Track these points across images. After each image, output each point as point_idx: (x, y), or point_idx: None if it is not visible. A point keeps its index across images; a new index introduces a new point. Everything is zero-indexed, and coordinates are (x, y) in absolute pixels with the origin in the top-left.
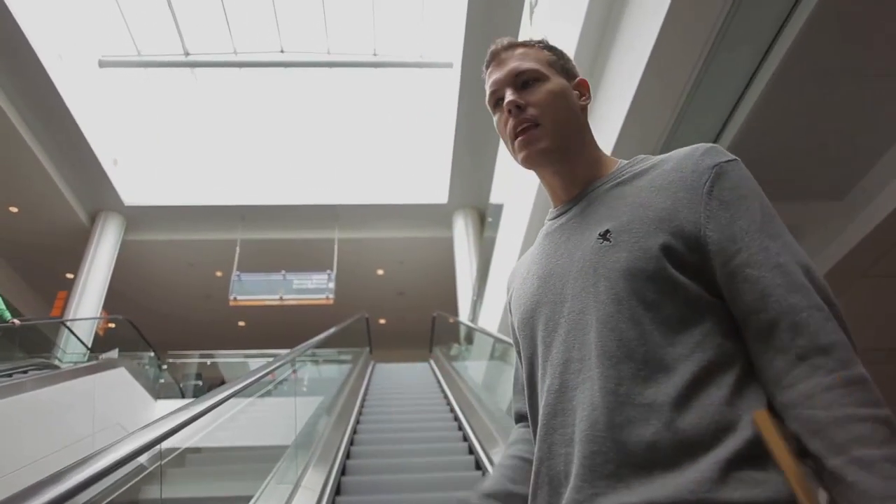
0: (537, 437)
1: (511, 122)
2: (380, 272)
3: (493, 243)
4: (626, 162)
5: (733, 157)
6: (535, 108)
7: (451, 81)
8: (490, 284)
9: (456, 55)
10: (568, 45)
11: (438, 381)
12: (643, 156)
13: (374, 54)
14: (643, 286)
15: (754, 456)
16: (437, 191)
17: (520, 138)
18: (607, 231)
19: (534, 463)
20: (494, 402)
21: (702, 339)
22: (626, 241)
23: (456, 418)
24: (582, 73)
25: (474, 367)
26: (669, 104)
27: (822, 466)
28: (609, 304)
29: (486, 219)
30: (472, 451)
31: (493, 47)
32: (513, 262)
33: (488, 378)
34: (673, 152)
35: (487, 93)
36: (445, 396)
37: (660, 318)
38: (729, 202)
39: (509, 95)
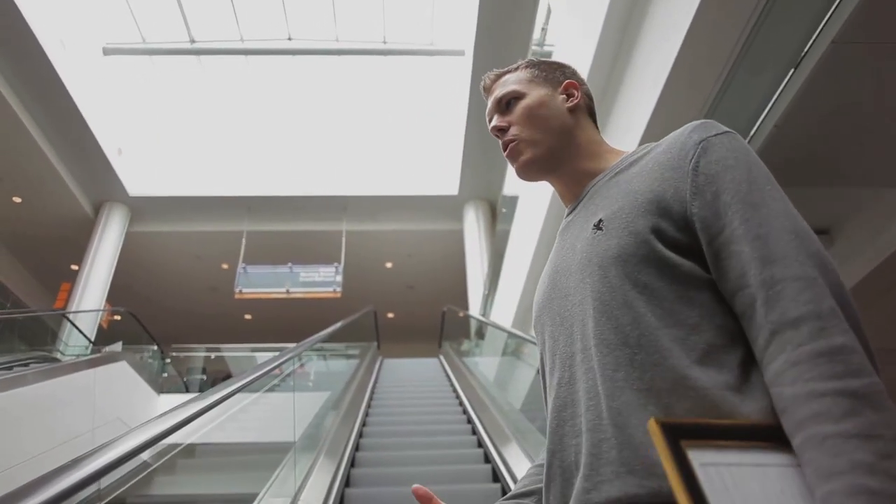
0: (548, 430)
1: (501, 145)
2: (388, 265)
3: (506, 236)
4: (630, 152)
5: (726, 129)
6: (515, 125)
7: (462, 69)
8: (503, 278)
9: (468, 42)
10: (592, 22)
11: (448, 377)
12: (647, 144)
13: (384, 42)
14: (634, 270)
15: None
16: (447, 182)
17: (507, 155)
18: (600, 220)
19: (546, 456)
20: (506, 398)
21: (699, 320)
22: (616, 227)
23: (465, 412)
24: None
25: (485, 363)
26: (709, 83)
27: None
28: (604, 291)
29: (498, 211)
30: (481, 444)
31: (481, 83)
32: (528, 256)
33: (500, 374)
34: (669, 134)
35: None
36: (455, 392)
37: (654, 300)
38: (714, 175)
39: (493, 122)
